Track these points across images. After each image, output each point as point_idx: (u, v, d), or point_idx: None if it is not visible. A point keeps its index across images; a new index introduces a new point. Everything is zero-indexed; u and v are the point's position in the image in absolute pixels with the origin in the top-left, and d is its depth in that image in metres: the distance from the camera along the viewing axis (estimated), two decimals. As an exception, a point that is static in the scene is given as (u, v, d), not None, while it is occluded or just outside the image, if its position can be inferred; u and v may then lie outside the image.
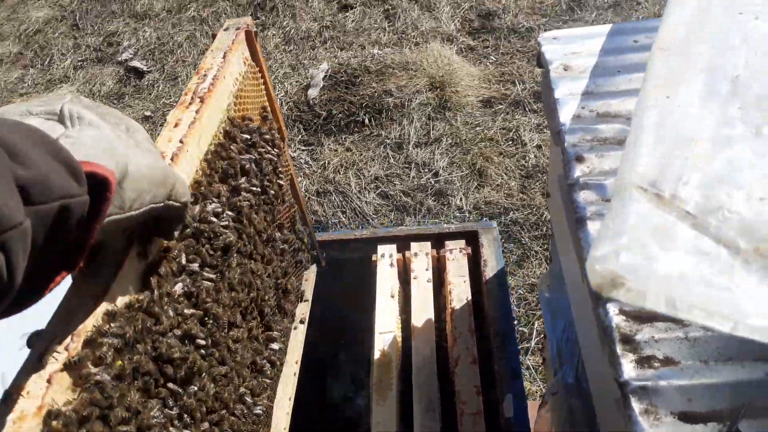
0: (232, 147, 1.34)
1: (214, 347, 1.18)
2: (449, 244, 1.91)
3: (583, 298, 1.16)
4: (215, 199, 1.23)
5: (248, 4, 5.27)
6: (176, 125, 1.17)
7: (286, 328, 1.70)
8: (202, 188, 1.20)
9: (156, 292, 1.01)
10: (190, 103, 1.23)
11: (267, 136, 1.49)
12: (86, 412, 0.80)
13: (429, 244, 1.94)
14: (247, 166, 1.39)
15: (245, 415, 1.32)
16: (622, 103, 1.16)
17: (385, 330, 1.71)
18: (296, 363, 1.64)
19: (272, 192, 1.53)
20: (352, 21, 4.97)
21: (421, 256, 1.91)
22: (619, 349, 0.75)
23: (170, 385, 1.02)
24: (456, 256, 1.87)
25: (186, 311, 1.09)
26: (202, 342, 1.13)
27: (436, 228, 2.02)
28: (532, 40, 4.55)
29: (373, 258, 1.95)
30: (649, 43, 1.29)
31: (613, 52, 1.29)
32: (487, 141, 3.97)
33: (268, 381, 1.47)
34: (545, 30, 4.69)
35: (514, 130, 4.00)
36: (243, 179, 1.36)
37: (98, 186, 0.67)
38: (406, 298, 1.84)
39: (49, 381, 0.75)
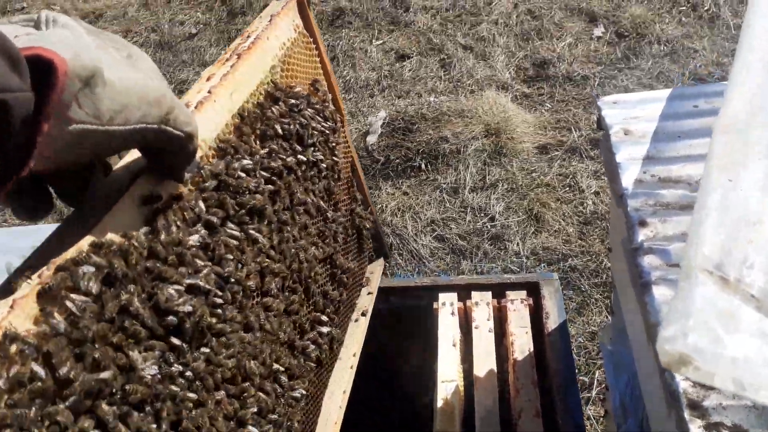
0: (273, 109, 1.29)
1: (238, 311, 1.11)
2: (510, 295, 1.95)
3: (647, 355, 1.19)
4: (248, 157, 1.18)
5: (310, 54, 5.54)
6: (208, 79, 1.15)
7: (344, 317, 1.63)
8: (232, 144, 1.15)
9: (163, 235, 0.94)
10: (227, 60, 1.20)
11: (318, 107, 1.44)
12: (52, 344, 0.72)
13: (490, 293, 1.98)
14: (290, 130, 1.32)
15: (279, 395, 1.24)
16: (683, 168, 1.20)
17: (448, 379, 1.76)
18: (354, 356, 1.60)
19: (323, 165, 1.47)
20: (409, 70, 5.13)
21: (482, 305, 1.96)
22: (686, 414, 0.78)
23: (173, 339, 0.94)
24: (517, 307, 1.91)
25: (199, 263, 1.01)
26: (218, 300, 1.05)
27: (497, 278, 2.06)
28: (587, 87, 4.59)
29: (434, 306, 2.01)
30: (708, 108, 1.34)
31: (673, 116, 1.34)
32: (544, 187, 4.00)
33: (312, 365, 1.40)
34: (601, 78, 4.73)
35: (571, 176, 4.02)
36: (283, 143, 1.30)
37: (45, 75, 0.61)
38: (467, 347, 1.89)
39: (12, 306, 0.70)
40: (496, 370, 1.76)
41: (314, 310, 1.47)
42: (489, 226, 3.85)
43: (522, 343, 1.78)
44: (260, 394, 1.18)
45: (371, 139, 4.60)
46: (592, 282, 3.43)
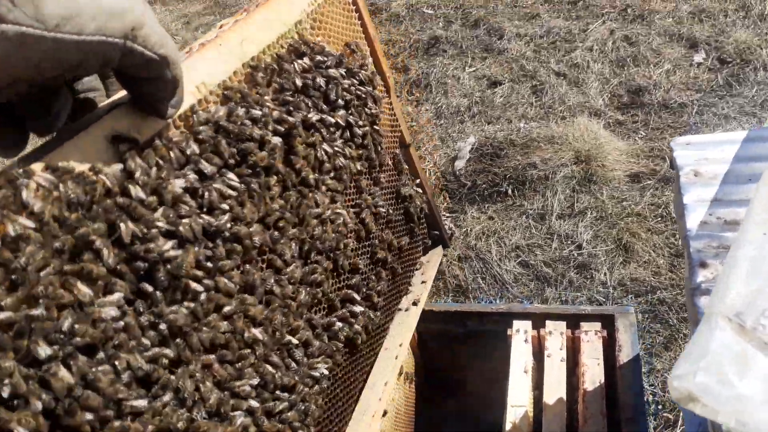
0: (296, 64, 1.26)
1: (235, 270, 1.05)
2: (584, 326, 1.98)
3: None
4: (257, 107, 1.13)
5: (405, 81, 5.72)
6: (221, 26, 1.13)
7: (389, 302, 1.54)
8: (238, 91, 1.11)
9: (138, 173, 0.88)
10: (245, 10, 1.18)
11: (353, 69, 1.40)
12: None
13: (564, 324, 2.03)
14: (312, 85, 1.28)
15: (292, 371, 1.17)
16: (752, 212, 1.23)
17: (517, 403, 1.82)
18: (400, 346, 1.53)
19: (359, 132, 1.41)
20: (501, 96, 5.20)
21: (555, 334, 2.00)
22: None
23: (143, 285, 0.89)
24: (591, 338, 1.94)
25: (184, 209, 0.95)
26: (207, 252, 0.99)
27: (572, 308, 2.10)
28: (684, 115, 4.46)
29: (509, 332, 2.07)
30: (784, 152, 1.34)
31: (746, 159, 1.36)
32: (635, 216, 3.93)
33: (339, 345, 1.34)
34: (700, 106, 4.58)
35: (663, 206, 3.93)
36: (305, 99, 1.25)
37: None
38: (539, 375, 1.94)
39: None
40: (565, 399, 1.80)
41: (346, 287, 1.39)
42: (575, 254, 3.83)
43: (593, 374, 1.82)
44: (266, 365, 1.11)
45: (459, 164, 4.69)
46: (681, 316, 3.33)
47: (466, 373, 2.24)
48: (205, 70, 1.06)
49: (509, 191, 4.33)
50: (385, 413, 1.59)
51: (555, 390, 1.83)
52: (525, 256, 3.93)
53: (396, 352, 1.52)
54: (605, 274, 3.67)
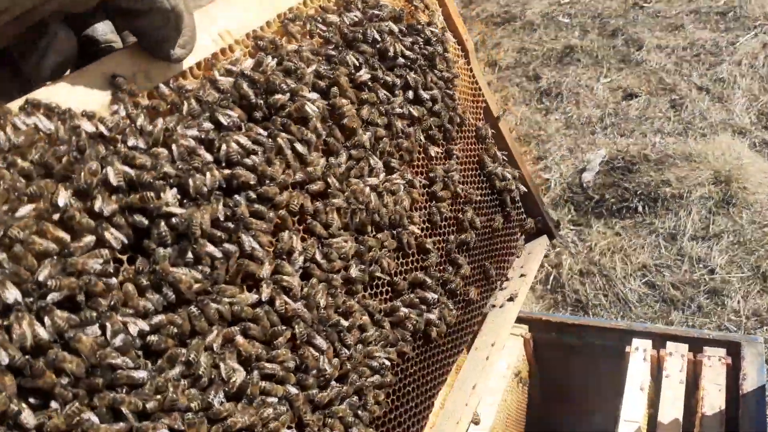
0: (345, 16, 1.18)
1: (263, 232, 0.94)
2: (708, 351, 1.96)
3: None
4: (294, 59, 1.05)
5: (535, 90, 5.71)
6: None
7: (476, 294, 1.36)
8: (270, 42, 1.04)
9: (136, 115, 0.82)
10: None
11: (417, 26, 1.30)
12: None
13: (686, 346, 2.01)
14: (362, 39, 1.18)
15: (339, 354, 1.02)
16: None
17: (631, 419, 1.84)
18: (492, 346, 1.36)
19: (425, 96, 1.29)
20: (636, 109, 5.05)
21: (676, 356, 1.99)
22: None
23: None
24: (714, 364, 1.92)
25: (197, 160, 0.86)
26: (225, 210, 0.88)
27: (695, 332, 2.08)
28: None
29: (627, 349, 2.09)
30: None
31: None
32: (777, 243, 3.69)
33: (406, 334, 1.19)
34: None
35: (812, 235, 3.66)
36: (355, 54, 1.16)
37: None
38: (655, 394, 1.94)
39: None
40: (681, 422, 1.80)
41: (416, 269, 1.25)
42: (707, 279, 3.67)
43: (713, 400, 1.80)
44: (308, 347, 0.97)
45: (587, 176, 4.63)
46: (823, 354, 3.11)
47: (578, 383, 2.28)
48: (231, 18, 1.01)
49: (639, 208, 4.21)
50: (476, 422, 1.39)
51: (671, 410, 1.84)
52: (652, 276, 3.82)
53: (487, 353, 1.35)
54: (739, 302, 3.49)
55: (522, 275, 1.53)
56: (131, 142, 0.83)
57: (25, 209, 0.72)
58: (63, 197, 0.75)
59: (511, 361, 2.10)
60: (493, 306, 1.50)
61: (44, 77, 0.82)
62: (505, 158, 1.60)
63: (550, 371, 2.33)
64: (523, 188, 1.64)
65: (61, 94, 0.80)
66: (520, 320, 2.08)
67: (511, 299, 1.46)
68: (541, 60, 5.89)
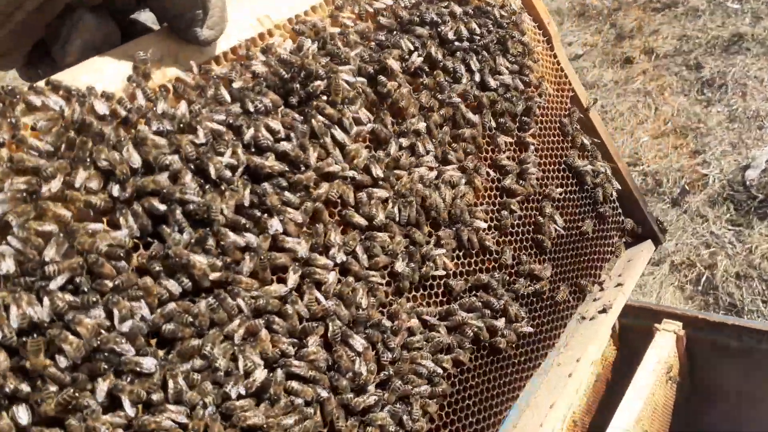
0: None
1: (296, 224, 0.86)
2: None
3: None
4: (339, 45, 0.96)
5: (696, 80, 5.39)
6: None
7: (556, 306, 1.21)
8: (312, 27, 0.96)
9: (161, 104, 0.77)
10: None
11: (485, 8, 1.19)
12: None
13: None
14: (421, 23, 1.08)
15: (385, 360, 0.92)
16: None
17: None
18: (577, 362, 1.17)
19: (493, 84, 1.15)
20: (817, 104, 4.61)
21: None
22: None
23: (162, 227, 0.77)
24: None
25: (222, 147, 0.79)
26: (251, 198, 0.80)
27: None
28: None
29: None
30: None
31: None
32: None
33: (465, 341, 1.05)
34: None
35: None
36: (411, 38, 1.06)
37: None
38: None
39: None
40: None
41: (479, 271, 1.11)
42: None
43: None
44: (343, 347, 0.88)
45: (751, 173, 4.32)
46: None
47: (731, 388, 2.22)
48: (271, 2, 0.95)
49: (810, 213, 3.89)
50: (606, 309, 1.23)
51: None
52: (823, 287, 3.53)
53: (570, 369, 1.17)
54: None
55: (619, 284, 1.34)
56: (155, 126, 0.81)
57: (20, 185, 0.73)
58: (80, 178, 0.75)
59: (662, 356, 2.09)
60: (583, 318, 1.35)
61: (69, 62, 0.83)
62: (596, 151, 1.42)
63: (700, 371, 2.28)
64: (617, 185, 1.45)
65: (83, 76, 0.80)
66: (674, 316, 2.07)
67: (604, 311, 1.29)
68: (704, 48, 5.52)
